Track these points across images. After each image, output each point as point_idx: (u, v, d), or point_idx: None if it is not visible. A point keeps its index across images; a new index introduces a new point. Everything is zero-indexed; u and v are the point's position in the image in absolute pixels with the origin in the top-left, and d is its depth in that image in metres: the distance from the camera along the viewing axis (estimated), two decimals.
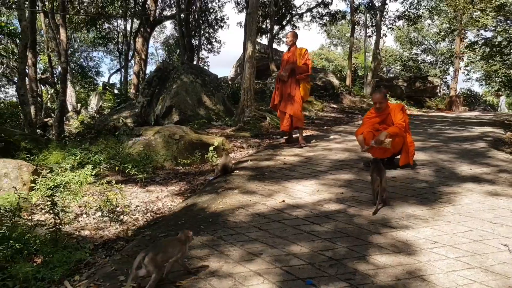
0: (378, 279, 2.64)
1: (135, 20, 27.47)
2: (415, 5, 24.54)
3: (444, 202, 3.97)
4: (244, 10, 31.13)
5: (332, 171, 5.38)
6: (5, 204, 4.33)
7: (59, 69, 24.46)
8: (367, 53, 27.33)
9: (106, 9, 26.89)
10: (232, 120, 10.62)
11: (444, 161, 5.64)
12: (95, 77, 40.32)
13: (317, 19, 32.52)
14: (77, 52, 38.42)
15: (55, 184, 4.87)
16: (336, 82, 18.71)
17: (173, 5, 22.55)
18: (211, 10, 33.00)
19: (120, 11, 25.51)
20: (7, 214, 3.90)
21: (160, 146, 7.11)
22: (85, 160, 6.07)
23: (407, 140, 5.25)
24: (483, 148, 6.48)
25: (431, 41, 45.53)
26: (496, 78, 39.86)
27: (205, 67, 36.55)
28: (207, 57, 42.25)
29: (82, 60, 40.05)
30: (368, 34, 25.61)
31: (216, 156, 6.71)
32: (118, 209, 4.62)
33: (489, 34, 33.14)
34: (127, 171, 5.81)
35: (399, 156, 5.37)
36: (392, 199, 4.11)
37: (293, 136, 7.83)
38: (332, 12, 30.97)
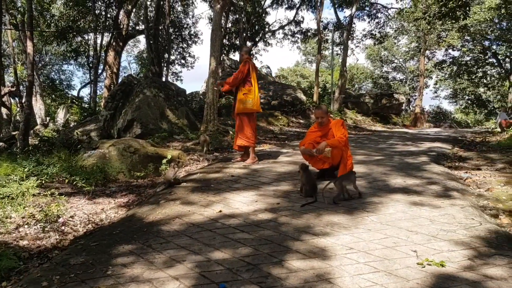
0: (288, 282, 2.80)
1: (107, 34, 27.52)
2: (381, 24, 25.36)
3: (370, 211, 4.19)
4: None
5: (274, 182, 5.58)
6: None
7: None
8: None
9: (77, 23, 26.86)
10: (194, 134, 10.76)
11: (382, 174, 5.90)
12: (67, 90, 39.99)
13: (289, 37, 33.29)
14: (48, 65, 38.06)
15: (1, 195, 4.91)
16: (303, 98, 19.10)
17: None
18: (185, 26, 33.36)
19: (92, 25, 25.50)
20: None
21: (115, 158, 7.18)
22: (35, 172, 6.10)
23: (345, 154, 5.50)
24: (423, 162, 6.80)
25: (400, 60, 46.91)
26: (464, 96, 41.34)
27: (178, 81, 36.75)
28: (180, 71, 42.39)
29: (53, 73, 39.70)
30: (336, 52, 26.32)
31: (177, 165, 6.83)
32: (60, 220, 4.69)
33: (456, 53, 34.50)
34: (74, 183, 5.86)
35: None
36: (322, 209, 4.32)
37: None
38: (303, 30, 31.81)
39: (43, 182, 6.11)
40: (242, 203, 4.68)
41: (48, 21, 26.35)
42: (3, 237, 4.21)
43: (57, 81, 39.04)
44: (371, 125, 20.39)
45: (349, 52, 26.70)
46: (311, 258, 3.17)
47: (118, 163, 7.13)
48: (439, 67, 35.76)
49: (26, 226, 4.58)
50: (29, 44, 16.79)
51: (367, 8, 25.42)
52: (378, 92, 28.62)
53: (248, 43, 32.87)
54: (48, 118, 26.33)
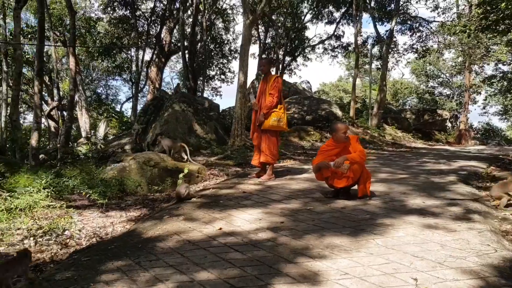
0: None
1: (150, 50, 28.36)
2: (423, 38, 24.65)
3: (377, 234, 3.92)
4: (257, 41, 31.91)
5: (284, 200, 5.38)
6: None
7: (76, 97, 25.36)
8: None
9: (121, 40, 27.91)
10: (221, 148, 10.73)
11: (401, 194, 5.57)
12: (113, 104, 41.45)
13: (329, 51, 33.07)
14: (95, 81, 39.65)
15: (11, 207, 5.01)
16: (339, 113, 18.74)
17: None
18: (225, 42, 33.85)
19: (137, 42, 26.37)
20: None
21: (134, 172, 7.23)
22: (53, 184, 6.22)
23: (365, 171, 5.25)
24: (450, 182, 6.38)
25: (447, 74, 45.30)
26: None
27: (217, 97, 37.20)
28: (220, 86, 42.91)
29: (100, 88, 41.28)
30: (377, 67, 25.77)
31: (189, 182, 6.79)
32: (66, 233, 4.71)
33: (506, 68, 32.88)
34: (87, 195, 5.92)
35: (355, 187, 5.35)
36: (327, 229, 4.09)
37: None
38: (343, 45, 31.51)
39: (61, 194, 6.23)
40: (245, 220, 4.52)
41: (94, 38, 27.56)
42: (6, 249, 4.26)
43: (103, 96, 40.53)
44: (411, 142, 19.67)
45: (389, 66, 26.14)
46: (300, 282, 2.96)
47: (137, 176, 7.16)
48: (488, 82, 34.19)
49: (31, 239, 4.62)
50: (71, 60, 17.55)
51: (409, 22, 24.80)
52: (420, 108, 27.73)
53: (288, 58, 32.96)
54: (92, 132, 27.32)
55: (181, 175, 6.72)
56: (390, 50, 23.03)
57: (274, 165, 7.32)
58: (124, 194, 6.74)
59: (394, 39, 24.32)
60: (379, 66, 25.40)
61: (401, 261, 3.28)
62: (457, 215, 4.46)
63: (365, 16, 29.07)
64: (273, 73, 7.02)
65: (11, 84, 19.20)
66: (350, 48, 29.81)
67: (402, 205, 4.96)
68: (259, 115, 6.91)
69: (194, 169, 7.50)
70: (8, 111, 18.62)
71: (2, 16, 18.69)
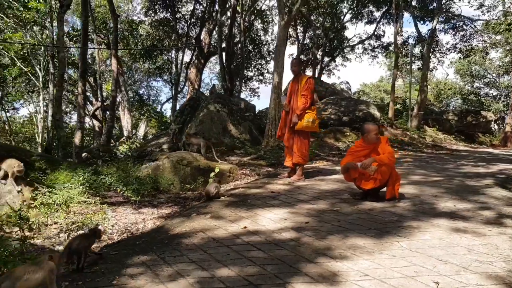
0: None
1: (189, 51, 28.88)
2: (467, 37, 23.81)
3: (402, 236, 3.86)
4: (296, 42, 31.85)
5: (312, 200, 5.37)
6: (2, 218, 4.78)
7: (119, 97, 26.24)
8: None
9: (162, 42, 28.57)
10: (255, 148, 10.80)
11: (432, 196, 5.43)
12: (154, 105, 42.47)
13: (368, 51, 32.53)
14: (138, 82, 40.76)
15: (50, 202, 5.28)
16: (377, 114, 18.38)
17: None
18: (264, 43, 33.94)
19: (177, 43, 26.92)
20: None
21: (168, 170, 7.42)
22: (90, 181, 6.49)
23: (394, 173, 5.16)
24: (485, 185, 6.14)
25: (493, 74, 43.45)
26: None
27: (255, 97, 37.35)
28: (258, 87, 43.08)
29: (142, 89, 42.38)
30: (418, 66, 25.12)
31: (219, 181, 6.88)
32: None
33: None
34: (121, 192, 6.13)
35: (384, 189, 5.27)
36: (352, 230, 4.06)
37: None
38: (384, 45, 30.90)
39: (98, 191, 6.49)
40: (271, 220, 4.56)
41: (136, 40, 28.35)
42: (43, 241, 4.50)
43: (145, 97, 41.59)
44: (453, 144, 19.01)
45: (431, 66, 25.42)
46: (318, 282, 2.97)
47: (171, 175, 7.34)
48: None
49: (67, 233, 4.85)
50: (114, 62, 18.18)
51: (452, 21, 24.02)
52: (463, 109, 26.79)
53: (326, 58, 32.67)
54: (134, 131, 28.14)
55: (212, 174, 6.84)
56: (431, 50, 22.37)
57: (305, 165, 7.31)
58: (157, 192, 6.93)
59: (436, 39, 23.62)
60: (420, 66, 24.75)
61: (424, 264, 3.22)
62: (489, 219, 4.32)
63: (406, 16, 28.35)
64: (310, 73, 7.01)
65: None
66: (390, 48, 29.21)
67: (432, 208, 4.85)
68: (290, 116, 6.93)
69: (225, 168, 7.61)
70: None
71: (49, 20, 19.55)
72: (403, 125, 19.77)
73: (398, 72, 49.13)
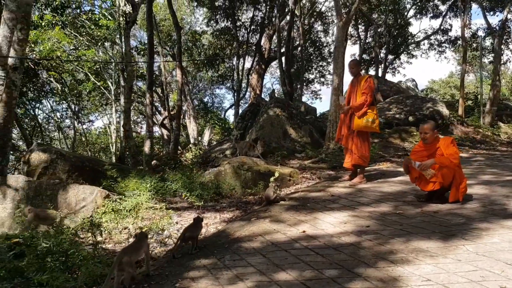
0: None
1: (250, 58, 29.30)
2: None
3: (468, 239, 3.66)
4: (357, 42, 31.24)
5: (374, 203, 5.24)
6: (77, 224, 5.15)
7: (184, 106, 27.21)
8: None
9: (224, 51, 29.25)
10: (316, 151, 10.73)
11: (504, 197, 5.08)
12: (218, 112, 43.50)
13: (435, 47, 31.13)
14: (202, 90, 41.96)
15: (120, 208, 5.60)
16: (445, 112, 17.53)
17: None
18: (324, 44, 33.63)
19: (238, 51, 27.44)
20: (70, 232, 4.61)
21: (229, 175, 7.57)
22: (156, 188, 6.80)
23: (458, 175, 4.90)
24: None
25: None
26: None
27: (317, 100, 37.00)
28: (319, 90, 42.70)
29: (207, 97, 43.57)
30: (490, 60, 23.63)
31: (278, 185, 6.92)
32: (164, 232, 5.13)
33: None
34: (186, 198, 6.35)
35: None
36: (415, 234, 3.92)
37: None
38: (451, 39, 29.42)
39: (164, 197, 6.78)
40: (330, 224, 4.51)
41: (199, 50, 29.27)
42: (114, 246, 4.78)
43: (210, 104, 42.70)
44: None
45: (504, 59, 23.84)
46: (378, 287, 2.91)
47: (232, 180, 7.49)
48: None
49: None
50: (178, 72, 18.84)
51: None
52: None
53: (390, 56, 31.69)
54: (199, 138, 29.00)
55: (271, 179, 6.88)
56: (503, 42, 20.94)
57: (367, 168, 7.14)
58: (220, 197, 7.09)
59: (508, 30, 22.07)
60: (492, 60, 23.25)
61: (491, 269, 3.04)
62: None
63: (474, 7, 26.83)
64: (373, 73, 6.87)
65: None
66: (459, 42, 27.74)
67: (503, 209, 4.55)
68: (349, 117, 6.81)
69: (285, 172, 7.63)
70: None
71: (118, 36, 20.73)
72: (474, 122, 18.69)
73: (469, 67, 46.47)
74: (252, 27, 27.63)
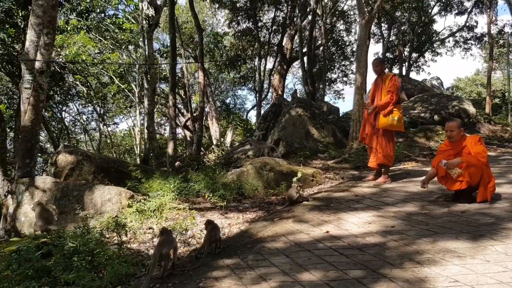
0: None
1: (272, 58, 29.32)
2: None
3: (498, 240, 3.56)
4: (380, 40, 30.86)
5: (399, 203, 5.15)
6: (103, 224, 5.23)
7: (207, 107, 27.38)
8: None
9: (246, 52, 29.31)
10: (339, 151, 10.63)
11: None
12: (240, 113, 43.61)
13: (460, 44, 30.47)
14: (224, 91, 42.16)
15: (144, 209, 5.66)
16: (472, 110, 17.13)
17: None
18: (347, 43, 33.34)
19: (260, 52, 27.47)
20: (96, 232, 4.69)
21: (252, 176, 7.56)
22: (180, 188, 6.85)
23: (485, 174, 4.77)
24: None
25: None
26: None
27: (340, 99, 36.69)
28: (342, 89, 42.36)
29: (229, 98, 43.76)
30: None
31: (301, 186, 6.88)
32: (188, 232, 5.16)
33: None
34: (209, 198, 6.38)
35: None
36: (442, 234, 3.84)
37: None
38: (477, 35, 28.76)
39: (188, 197, 6.83)
40: (354, 224, 4.46)
41: (221, 52, 29.41)
42: (139, 246, 4.83)
43: (232, 105, 42.86)
44: None
45: None
46: None
47: (254, 180, 7.48)
48: None
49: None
50: (200, 74, 18.97)
51: None
52: None
53: (414, 54, 31.17)
54: (222, 139, 29.13)
55: (294, 179, 6.84)
56: None
57: (392, 167, 7.03)
58: (243, 197, 7.08)
59: None
60: None
61: None
62: None
63: (500, 3, 26.17)
64: (397, 71, 6.78)
65: None
66: (485, 38, 27.12)
67: None
68: (373, 115, 6.73)
69: (308, 172, 7.58)
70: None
71: (141, 39, 21.02)
72: (502, 120, 18.26)
73: (495, 64, 45.27)
74: (274, 27, 27.61)
